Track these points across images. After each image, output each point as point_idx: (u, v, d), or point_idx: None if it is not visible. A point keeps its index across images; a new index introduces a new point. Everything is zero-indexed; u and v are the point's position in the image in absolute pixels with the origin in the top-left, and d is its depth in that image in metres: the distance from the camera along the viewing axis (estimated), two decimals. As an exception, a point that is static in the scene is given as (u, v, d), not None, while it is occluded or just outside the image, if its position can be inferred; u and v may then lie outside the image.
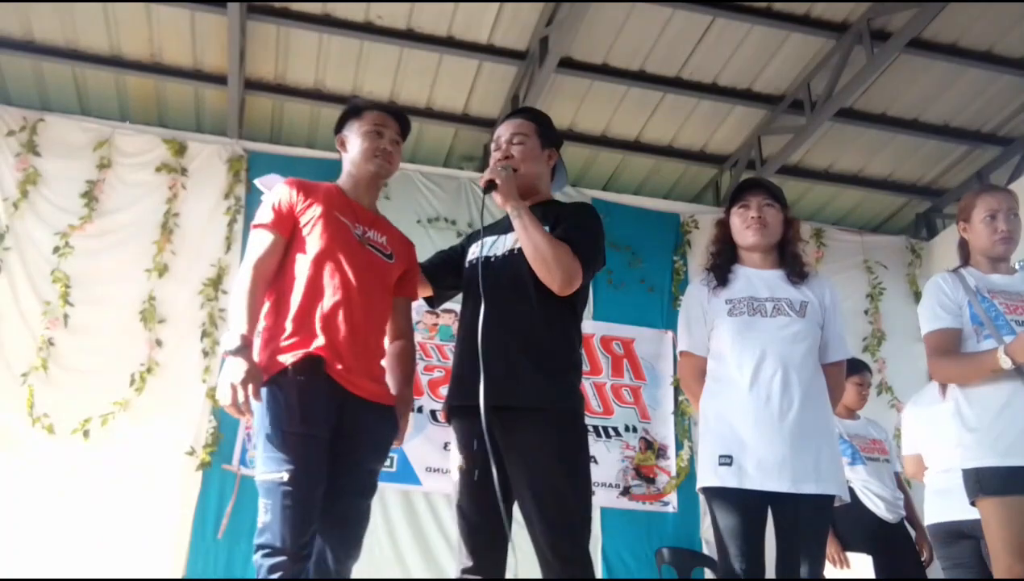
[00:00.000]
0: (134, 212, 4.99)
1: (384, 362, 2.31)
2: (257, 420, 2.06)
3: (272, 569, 1.91)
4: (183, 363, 4.75)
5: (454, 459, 2.24)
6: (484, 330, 2.17)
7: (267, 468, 1.99)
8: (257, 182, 2.52)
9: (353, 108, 2.46)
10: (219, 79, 5.02)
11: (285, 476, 1.96)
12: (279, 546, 1.92)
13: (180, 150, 5.14)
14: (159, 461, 4.51)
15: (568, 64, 5.00)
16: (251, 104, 5.32)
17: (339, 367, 2.09)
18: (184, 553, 4.39)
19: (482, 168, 5.69)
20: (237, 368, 1.99)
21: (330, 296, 2.14)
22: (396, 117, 2.43)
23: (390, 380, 2.30)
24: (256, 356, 2.09)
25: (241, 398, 1.97)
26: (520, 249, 2.24)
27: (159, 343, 4.76)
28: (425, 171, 5.57)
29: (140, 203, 5.01)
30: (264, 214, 2.25)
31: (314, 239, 2.20)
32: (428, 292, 2.53)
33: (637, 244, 5.57)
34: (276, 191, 2.30)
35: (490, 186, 2.26)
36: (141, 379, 4.65)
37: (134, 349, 4.70)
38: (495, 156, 2.40)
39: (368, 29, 4.83)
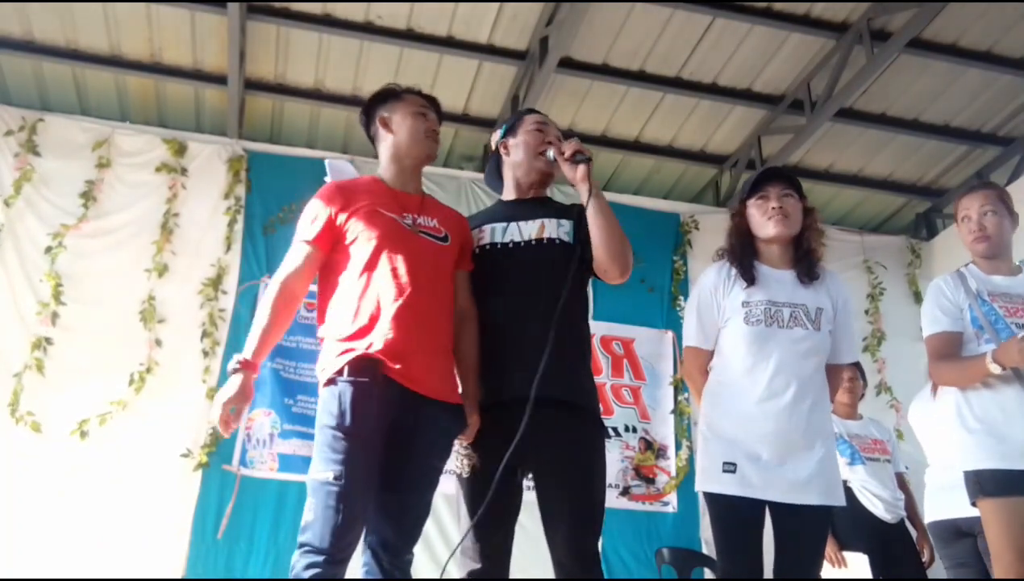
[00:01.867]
0: (134, 212, 4.98)
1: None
2: (316, 420, 2.08)
3: (307, 568, 1.90)
4: (183, 363, 4.74)
5: (465, 459, 2.19)
6: (520, 321, 2.17)
7: (316, 468, 2.00)
8: (327, 163, 2.48)
9: (390, 91, 2.42)
10: (219, 79, 5.02)
11: (332, 475, 1.95)
12: (318, 546, 1.91)
13: (180, 150, 5.14)
14: (159, 461, 4.50)
15: (568, 64, 4.99)
16: (251, 104, 5.32)
17: (397, 367, 2.06)
18: (184, 553, 4.38)
19: (482, 168, 5.68)
20: (228, 387, 2.03)
21: (387, 294, 2.12)
22: (432, 102, 2.43)
23: (457, 370, 2.25)
24: (321, 358, 2.12)
25: (220, 415, 2.00)
26: (549, 239, 2.25)
27: (159, 343, 4.76)
28: (425, 171, 5.51)
29: (140, 203, 5.01)
30: (303, 227, 2.23)
31: (364, 240, 2.17)
32: None
33: (637, 244, 5.41)
34: (312, 203, 2.26)
35: (583, 158, 2.20)
36: (140, 379, 4.64)
37: (133, 349, 4.70)
38: (571, 145, 2.25)
39: (368, 29, 4.82)
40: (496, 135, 2.51)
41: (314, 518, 1.94)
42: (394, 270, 2.14)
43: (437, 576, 4.56)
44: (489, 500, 2.10)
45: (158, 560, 4.34)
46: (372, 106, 2.41)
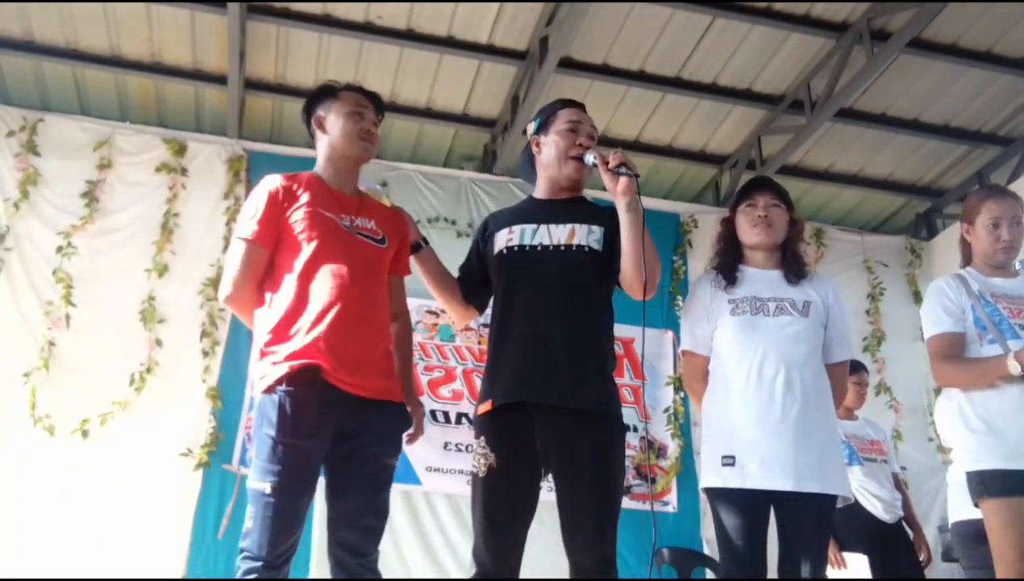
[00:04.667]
0: (134, 212, 4.99)
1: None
2: (253, 428, 2.09)
3: (248, 572, 1.97)
4: (183, 363, 4.74)
5: (482, 458, 2.16)
6: (543, 325, 2.16)
7: (254, 476, 2.03)
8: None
9: (328, 89, 2.40)
10: (219, 79, 5.02)
11: (268, 488, 1.99)
12: (256, 553, 1.97)
13: (180, 150, 5.14)
14: (159, 461, 4.51)
15: (568, 64, 4.99)
16: (251, 104, 5.32)
17: (337, 372, 2.07)
18: (184, 553, 4.39)
19: (482, 168, 5.69)
20: None
21: (325, 298, 2.11)
22: (372, 99, 2.40)
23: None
24: (254, 366, 2.12)
25: None
26: (579, 246, 2.23)
27: (159, 343, 4.76)
28: (425, 171, 5.57)
29: (140, 203, 5.01)
30: (246, 225, 2.19)
31: (303, 242, 2.16)
32: (474, 313, 2.45)
33: None
34: (254, 197, 2.24)
35: (628, 172, 2.15)
36: (141, 379, 4.64)
37: (134, 349, 4.70)
38: (616, 155, 2.22)
39: (368, 29, 4.82)
40: (530, 127, 2.44)
41: (253, 526, 2.00)
42: (332, 274, 2.14)
43: (438, 576, 4.58)
44: (503, 502, 2.12)
45: (158, 560, 4.34)
46: (310, 104, 2.40)
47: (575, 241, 2.25)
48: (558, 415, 2.10)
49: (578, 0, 4.36)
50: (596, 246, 2.25)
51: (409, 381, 2.32)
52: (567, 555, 2.10)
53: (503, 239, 2.32)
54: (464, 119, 5.51)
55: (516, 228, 2.31)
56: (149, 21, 4.74)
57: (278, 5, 4.69)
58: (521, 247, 2.28)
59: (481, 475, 2.15)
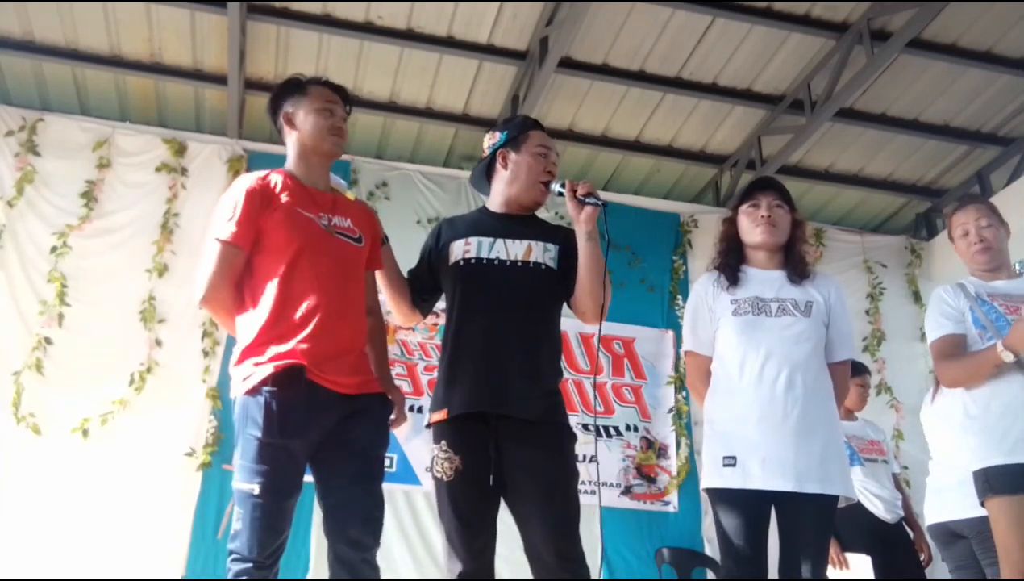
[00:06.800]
0: (134, 212, 4.98)
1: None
2: (236, 428, 2.10)
3: (239, 573, 1.98)
4: (183, 363, 4.74)
5: (446, 462, 2.18)
6: (499, 339, 2.20)
7: (240, 477, 2.05)
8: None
9: (295, 84, 2.38)
10: (219, 79, 5.02)
11: (256, 489, 2.01)
12: (246, 555, 1.98)
13: (180, 150, 5.14)
14: (159, 461, 4.50)
15: (568, 64, 5.00)
16: (251, 104, 5.31)
17: (319, 371, 2.06)
18: (184, 553, 4.38)
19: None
20: None
21: (305, 298, 2.11)
22: (340, 93, 2.39)
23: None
24: (235, 367, 2.12)
25: None
26: (535, 263, 2.27)
27: (159, 343, 4.76)
28: (425, 171, 5.57)
29: (140, 203, 5.01)
30: (223, 226, 2.17)
31: (284, 243, 2.15)
32: (419, 318, 2.48)
33: (637, 244, 5.57)
34: (230, 197, 2.22)
35: (595, 201, 2.21)
36: (141, 379, 4.64)
37: (134, 349, 4.70)
38: (585, 185, 2.27)
39: (368, 29, 4.83)
40: (495, 137, 2.46)
41: (242, 528, 2.01)
42: (315, 275, 2.13)
43: (440, 576, 4.58)
44: (473, 502, 2.16)
45: (158, 560, 4.33)
46: (277, 100, 2.38)
47: (532, 258, 2.29)
48: (515, 425, 2.15)
49: (578, 0, 4.36)
50: (551, 264, 2.30)
51: (386, 374, 2.34)
52: (530, 559, 2.14)
53: (459, 250, 2.33)
54: (464, 119, 5.51)
55: (473, 240, 2.33)
56: (149, 21, 4.74)
57: (278, 5, 4.69)
58: (479, 260, 2.30)
59: (447, 479, 2.17)
